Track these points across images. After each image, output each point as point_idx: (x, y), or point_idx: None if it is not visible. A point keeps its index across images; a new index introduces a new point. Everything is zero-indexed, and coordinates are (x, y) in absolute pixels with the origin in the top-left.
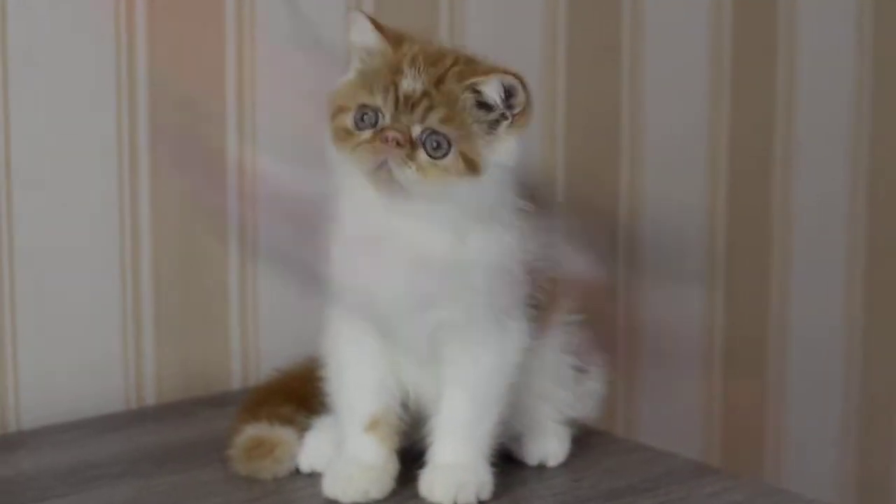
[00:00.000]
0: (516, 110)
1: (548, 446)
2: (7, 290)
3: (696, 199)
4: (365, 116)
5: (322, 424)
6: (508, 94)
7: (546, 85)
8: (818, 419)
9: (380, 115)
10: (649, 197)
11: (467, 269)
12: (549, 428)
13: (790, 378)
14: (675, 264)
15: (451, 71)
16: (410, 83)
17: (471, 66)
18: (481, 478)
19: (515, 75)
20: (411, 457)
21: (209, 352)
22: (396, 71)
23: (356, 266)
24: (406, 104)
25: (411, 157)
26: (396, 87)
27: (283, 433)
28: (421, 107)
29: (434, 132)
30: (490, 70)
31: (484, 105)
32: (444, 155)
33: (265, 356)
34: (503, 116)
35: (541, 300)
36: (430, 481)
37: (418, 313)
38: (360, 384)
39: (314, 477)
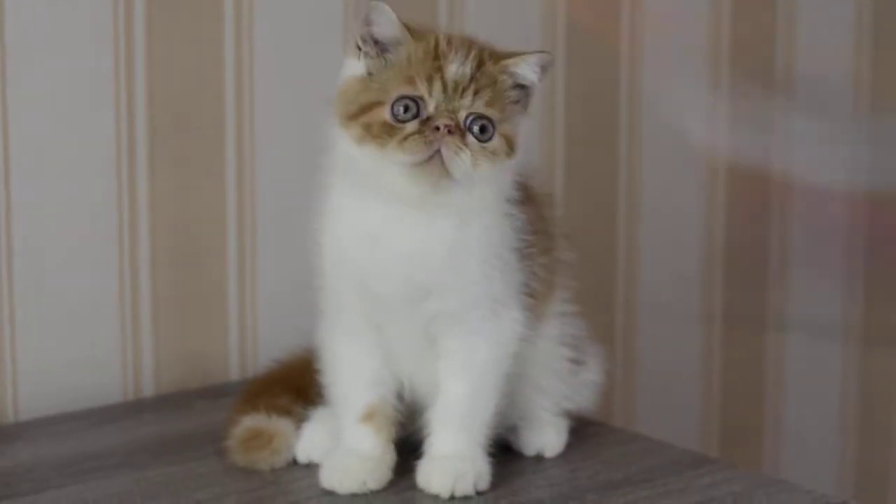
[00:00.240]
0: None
1: (545, 437)
2: (5, 283)
3: (694, 189)
4: (406, 108)
5: (319, 415)
6: (544, 72)
7: (545, 83)
8: (817, 410)
9: (422, 104)
10: (647, 189)
11: (464, 258)
12: (546, 419)
13: (789, 368)
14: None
15: (485, 54)
16: (458, 68)
17: (496, 50)
18: (479, 468)
19: (550, 52)
20: (409, 448)
21: (207, 343)
22: (437, 57)
23: (352, 260)
24: (455, 90)
25: (464, 143)
26: (442, 73)
27: (280, 424)
28: (470, 91)
29: (479, 116)
30: (520, 51)
31: (516, 87)
32: (490, 138)
33: (263, 348)
34: (521, 101)
35: (535, 289)
36: (428, 472)
37: (414, 305)
38: (355, 375)
39: (311, 468)
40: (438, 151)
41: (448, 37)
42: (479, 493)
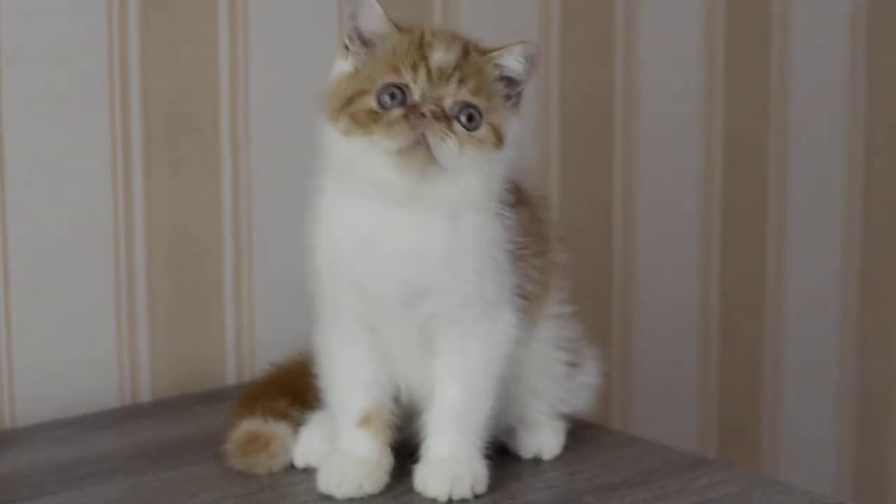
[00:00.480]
0: (523, 88)
1: (542, 440)
2: (1, 287)
3: (690, 191)
4: (392, 95)
5: (317, 419)
6: (530, 63)
7: (540, 80)
8: (814, 411)
9: (407, 92)
10: (643, 190)
11: (458, 257)
12: (543, 421)
13: (786, 370)
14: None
15: (470, 45)
16: (443, 55)
17: (481, 44)
18: (476, 471)
19: (535, 44)
20: (406, 451)
21: (204, 348)
22: (422, 45)
23: (347, 262)
24: (440, 77)
25: (449, 129)
26: (426, 60)
27: (277, 428)
28: (454, 78)
29: (467, 104)
30: (506, 44)
31: (503, 79)
32: (477, 127)
33: (260, 352)
34: (510, 95)
35: (529, 291)
36: (425, 475)
37: (409, 306)
38: (351, 379)
39: (309, 472)
40: (424, 137)
41: (433, 30)
42: (476, 497)
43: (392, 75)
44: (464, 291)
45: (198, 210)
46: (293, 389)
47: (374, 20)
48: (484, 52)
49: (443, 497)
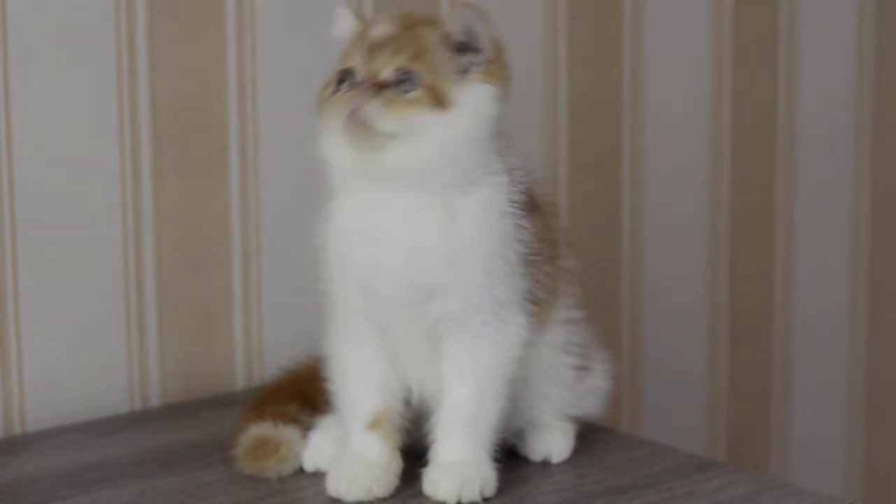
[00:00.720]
0: (485, 55)
1: (551, 442)
2: (10, 293)
3: (698, 193)
4: (342, 80)
5: (326, 423)
6: (472, 35)
7: (548, 82)
8: (824, 413)
9: (355, 73)
10: (651, 192)
11: (464, 256)
12: (552, 424)
13: (795, 372)
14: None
15: (419, 19)
16: (380, 29)
17: (437, 18)
18: (485, 474)
19: (479, 18)
20: (415, 454)
21: (213, 353)
22: (367, 28)
23: (353, 261)
24: (376, 51)
25: (377, 96)
26: (365, 40)
27: (287, 432)
28: (389, 48)
29: (404, 71)
30: (457, 7)
31: (458, 48)
32: (409, 90)
33: (269, 356)
34: (474, 62)
35: (539, 296)
36: (434, 479)
37: (417, 306)
38: (361, 383)
39: (318, 476)
40: (357, 109)
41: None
42: (485, 500)
43: (343, 63)
44: (471, 292)
45: (207, 214)
46: (303, 393)
47: (343, 25)
48: (429, 22)
49: (452, 500)
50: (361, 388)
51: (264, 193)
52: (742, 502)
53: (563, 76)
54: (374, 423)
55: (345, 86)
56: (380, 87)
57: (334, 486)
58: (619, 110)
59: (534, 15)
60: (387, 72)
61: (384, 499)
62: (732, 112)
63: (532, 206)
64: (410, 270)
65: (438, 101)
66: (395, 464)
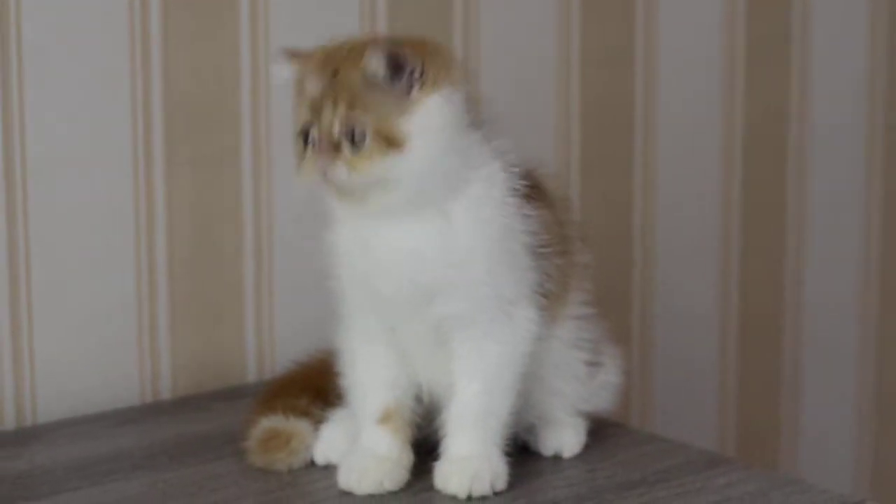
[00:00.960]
0: (417, 69)
1: (563, 437)
2: (23, 286)
3: (710, 192)
4: (305, 138)
5: (338, 417)
6: (395, 64)
7: (560, 84)
8: (833, 410)
9: (311, 130)
10: (663, 192)
11: (462, 256)
12: (564, 419)
13: (805, 369)
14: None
15: (341, 60)
16: (312, 84)
17: (358, 48)
18: (496, 469)
19: (392, 45)
20: (426, 449)
21: (224, 345)
22: (304, 76)
23: (357, 265)
24: (318, 108)
25: (337, 156)
26: (306, 95)
27: (298, 425)
28: (328, 103)
29: (348, 123)
30: (369, 45)
31: (387, 79)
32: (362, 143)
33: (280, 349)
34: (410, 83)
35: (550, 290)
36: (445, 473)
37: (420, 307)
38: (372, 377)
39: (329, 469)
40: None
41: (322, 50)
42: (496, 494)
43: (299, 119)
44: (475, 291)
45: (219, 207)
46: (314, 387)
47: (282, 70)
48: (351, 62)
49: (462, 494)
50: (371, 383)
51: (277, 187)
52: (752, 499)
53: (576, 78)
54: (385, 418)
55: (310, 141)
56: (336, 146)
57: (345, 480)
58: (632, 111)
59: (546, 17)
60: (336, 127)
61: (395, 492)
62: (744, 112)
63: (541, 197)
64: (410, 272)
65: (390, 142)
66: (405, 458)
